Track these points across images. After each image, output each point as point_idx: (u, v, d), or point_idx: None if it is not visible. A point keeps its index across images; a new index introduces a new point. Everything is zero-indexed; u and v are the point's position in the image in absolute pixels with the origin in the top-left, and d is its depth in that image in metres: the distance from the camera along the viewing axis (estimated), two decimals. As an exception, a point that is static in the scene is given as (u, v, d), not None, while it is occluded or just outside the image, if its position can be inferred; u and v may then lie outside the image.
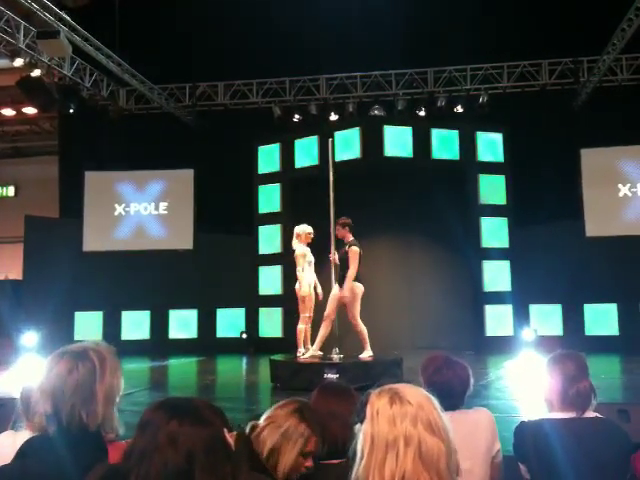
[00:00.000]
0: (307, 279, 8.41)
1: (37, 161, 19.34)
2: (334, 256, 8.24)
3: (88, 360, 1.85)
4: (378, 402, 1.47)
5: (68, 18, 11.14)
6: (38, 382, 1.85)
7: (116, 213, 14.80)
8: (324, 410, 2.23)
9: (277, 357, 8.74)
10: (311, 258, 8.50)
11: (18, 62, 11.59)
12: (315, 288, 8.54)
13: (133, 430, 1.34)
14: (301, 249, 8.41)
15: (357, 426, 1.49)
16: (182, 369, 11.82)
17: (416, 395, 1.48)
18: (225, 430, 1.34)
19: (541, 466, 2.48)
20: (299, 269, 8.38)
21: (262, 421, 2.08)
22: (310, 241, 8.53)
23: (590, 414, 2.57)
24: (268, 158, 14.15)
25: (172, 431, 1.27)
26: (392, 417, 1.43)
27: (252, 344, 13.45)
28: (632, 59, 13.58)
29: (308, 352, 8.33)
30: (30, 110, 16.19)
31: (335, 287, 8.16)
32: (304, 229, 8.52)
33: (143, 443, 1.27)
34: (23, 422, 2.20)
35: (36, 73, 11.93)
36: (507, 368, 10.19)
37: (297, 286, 8.49)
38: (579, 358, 2.67)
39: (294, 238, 8.56)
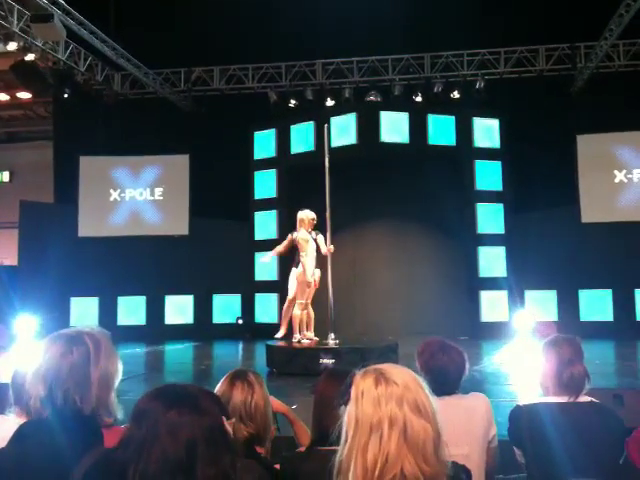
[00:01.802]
0: (310, 265, 8.34)
1: (32, 146, 19.21)
2: (330, 246, 8.25)
3: (83, 344, 1.84)
4: (363, 383, 1.41)
5: (62, 1, 11.02)
6: (32, 366, 1.84)
7: (111, 198, 14.73)
8: (330, 396, 2.23)
9: (273, 342, 8.76)
10: (314, 244, 8.46)
11: (12, 46, 11.46)
12: (313, 275, 8.51)
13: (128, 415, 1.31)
14: (304, 234, 8.35)
15: (342, 408, 1.43)
16: (178, 354, 11.83)
17: (402, 375, 1.41)
18: (224, 418, 1.30)
19: (536, 450, 2.49)
20: (303, 254, 8.29)
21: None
22: (313, 227, 8.47)
23: (585, 398, 2.58)
24: (264, 144, 14.10)
25: (171, 421, 1.23)
26: (377, 398, 1.37)
27: (248, 330, 13.46)
28: (629, 45, 13.52)
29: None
30: (24, 95, 16.06)
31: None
32: (307, 214, 8.42)
33: (141, 433, 1.23)
34: (15, 406, 2.19)
35: (30, 57, 11.83)
36: (502, 353, 10.22)
37: (299, 270, 8.39)
38: (575, 342, 2.68)
39: (297, 224, 8.49)
